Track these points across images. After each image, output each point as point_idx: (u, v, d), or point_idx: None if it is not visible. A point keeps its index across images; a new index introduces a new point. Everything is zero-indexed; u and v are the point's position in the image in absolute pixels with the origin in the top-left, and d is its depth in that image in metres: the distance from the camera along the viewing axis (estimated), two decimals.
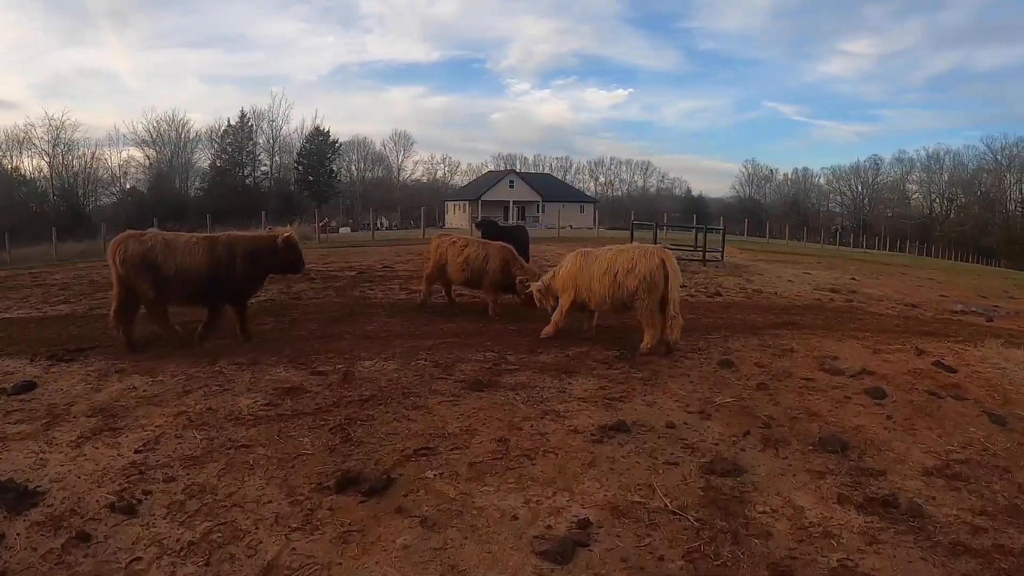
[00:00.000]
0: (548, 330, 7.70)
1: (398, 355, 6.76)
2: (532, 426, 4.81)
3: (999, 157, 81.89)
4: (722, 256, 19.02)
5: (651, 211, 65.24)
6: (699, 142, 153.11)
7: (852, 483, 4.12)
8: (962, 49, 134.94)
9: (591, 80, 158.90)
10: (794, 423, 5.13)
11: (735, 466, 4.21)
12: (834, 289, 14.45)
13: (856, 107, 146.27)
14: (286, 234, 7.35)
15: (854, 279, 17.16)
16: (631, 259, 7.03)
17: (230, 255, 6.96)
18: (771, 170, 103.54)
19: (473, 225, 16.41)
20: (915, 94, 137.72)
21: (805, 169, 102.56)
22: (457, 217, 58.98)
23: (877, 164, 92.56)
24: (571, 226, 49.46)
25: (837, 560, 3.21)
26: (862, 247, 55.36)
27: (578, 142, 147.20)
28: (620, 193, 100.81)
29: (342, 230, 51.97)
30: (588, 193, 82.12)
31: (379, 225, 58.82)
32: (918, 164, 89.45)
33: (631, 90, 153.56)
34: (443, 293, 10.45)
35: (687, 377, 6.27)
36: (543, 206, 61.92)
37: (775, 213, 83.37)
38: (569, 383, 5.93)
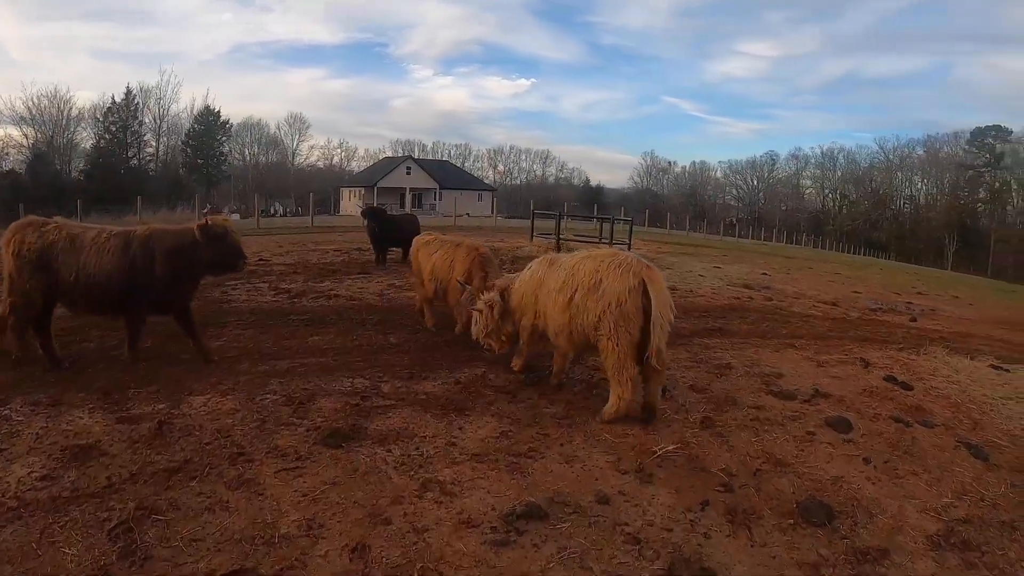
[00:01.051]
0: (516, 362, 5.82)
1: (241, 385, 5.09)
2: (406, 515, 3.24)
3: (890, 156, 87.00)
4: (629, 248, 18.05)
5: (550, 200, 65.04)
6: (598, 133, 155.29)
7: None
8: (856, 57, 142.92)
9: (493, 69, 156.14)
10: (760, 480, 3.90)
11: (703, 573, 2.87)
12: (748, 285, 13.81)
13: (753, 106, 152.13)
14: (205, 222, 5.48)
15: (766, 274, 16.72)
16: (594, 271, 4.71)
17: (146, 254, 5.46)
18: (669, 162, 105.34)
19: (360, 213, 14.52)
20: (810, 96, 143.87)
21: (703, 162, 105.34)
22: (352, 204, 56.24)
23: (773, 160, 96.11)
24: (468, 214, 47.67)
25: None
26: (760, 239, 57.31)
27: (478, 130, 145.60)
28: (519, 182, 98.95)
29: (231, 217, 47.94)
30: (487, 181, 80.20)
31: (272, 212, 55.11)
32: (812, 161, 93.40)
33: (532, 80, 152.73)
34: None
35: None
36: (440, 193, 59.92)
37: (673, 204, 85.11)
38: (460, 428, 4.41)
